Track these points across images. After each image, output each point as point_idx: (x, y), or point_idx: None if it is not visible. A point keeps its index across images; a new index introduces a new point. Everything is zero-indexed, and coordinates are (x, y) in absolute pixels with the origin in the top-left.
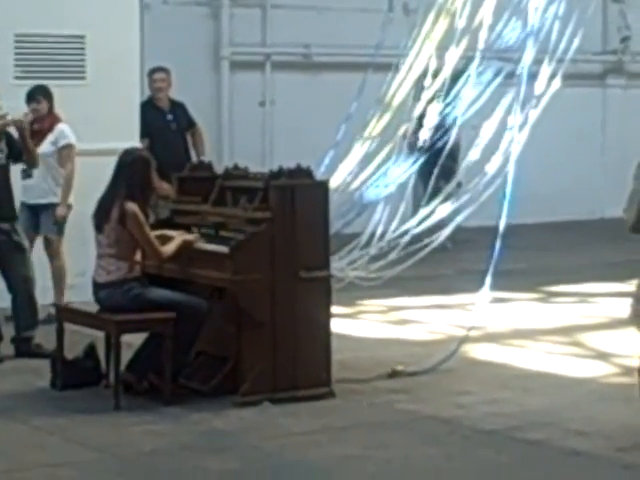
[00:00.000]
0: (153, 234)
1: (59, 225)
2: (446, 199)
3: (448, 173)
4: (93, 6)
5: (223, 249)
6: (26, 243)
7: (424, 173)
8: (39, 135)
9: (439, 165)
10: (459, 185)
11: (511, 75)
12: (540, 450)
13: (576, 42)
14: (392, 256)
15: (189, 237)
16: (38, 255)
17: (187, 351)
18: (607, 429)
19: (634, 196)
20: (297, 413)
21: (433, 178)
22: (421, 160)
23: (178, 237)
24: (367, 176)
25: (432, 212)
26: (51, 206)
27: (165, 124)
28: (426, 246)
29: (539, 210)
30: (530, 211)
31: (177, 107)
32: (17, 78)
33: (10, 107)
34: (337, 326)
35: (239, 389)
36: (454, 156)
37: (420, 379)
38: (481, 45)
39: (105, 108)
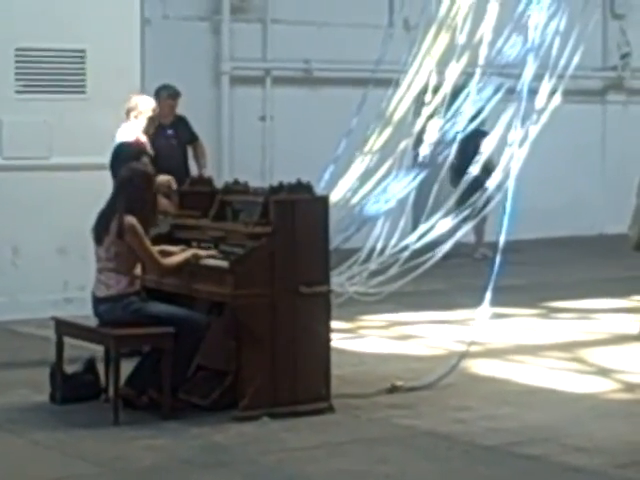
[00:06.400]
0: (154, 249)
1: None
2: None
3: (481, 186)
4: (94, 20)
5: (223, 264)
6: None
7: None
8: None
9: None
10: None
11: (511, 91)
12: (539, 466)
13: (576, 58)
14: (393, 271)
15: (201, 252)
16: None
17: (187, 366)
18: (606, 445)
19: (638, 213)
20: (296, 428)
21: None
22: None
23: (188, 250)
24: (367, 191)
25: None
26: None
27: (165, 139)
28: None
29: (539, 226)
30: (530, 227)
31: (179, 121)
32: (18, 92)
33: (11, 121)
34: (337, 341)
35: (239, 404)
36: (489, 169)
37: (420, 394)
38: (481, 61)
39: (105, 122)
